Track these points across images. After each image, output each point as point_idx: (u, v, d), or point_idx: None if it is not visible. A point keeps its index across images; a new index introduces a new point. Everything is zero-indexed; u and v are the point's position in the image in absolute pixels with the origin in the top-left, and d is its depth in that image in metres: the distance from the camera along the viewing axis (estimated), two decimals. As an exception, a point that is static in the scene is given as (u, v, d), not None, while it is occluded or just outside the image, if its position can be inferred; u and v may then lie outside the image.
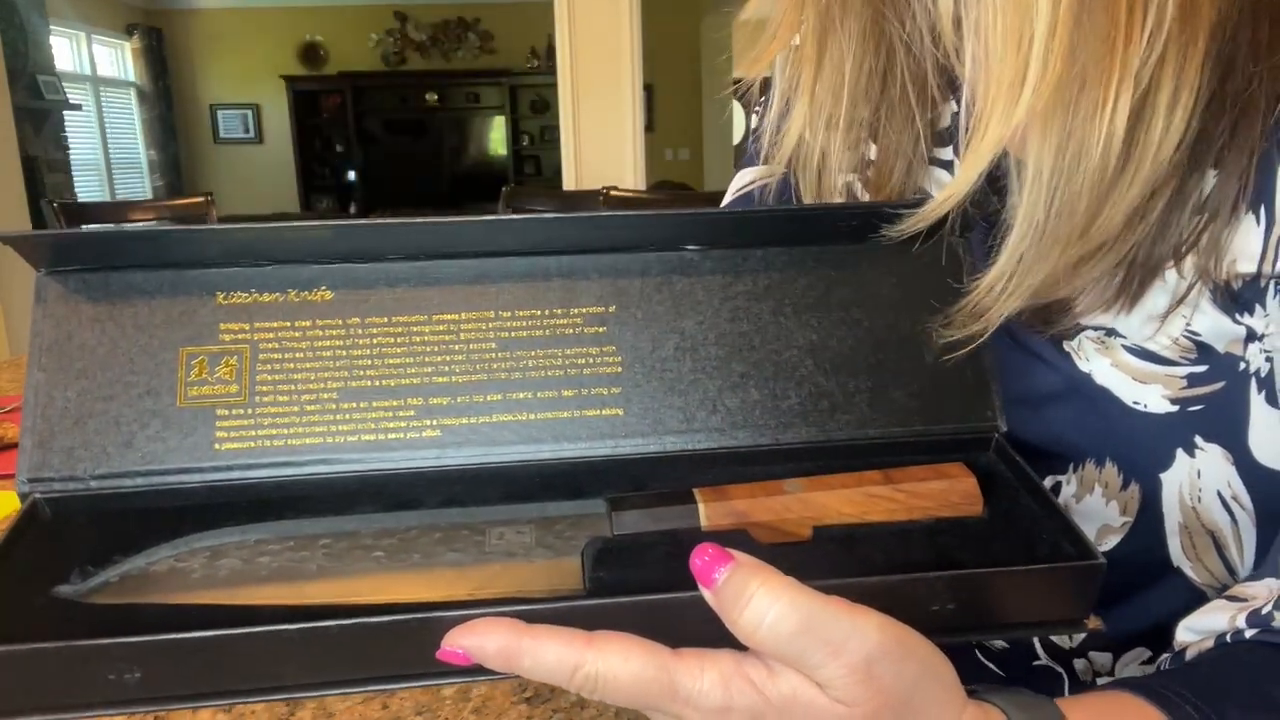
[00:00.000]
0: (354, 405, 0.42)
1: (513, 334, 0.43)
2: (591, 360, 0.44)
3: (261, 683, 0.34)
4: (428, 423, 0.42)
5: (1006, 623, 0.38)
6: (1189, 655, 0.44)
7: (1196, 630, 0.44)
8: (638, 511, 0.40)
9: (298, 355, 0.42)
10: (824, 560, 0.39)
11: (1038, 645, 0.56)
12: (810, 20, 0.52)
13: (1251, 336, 0.44)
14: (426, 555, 0.39)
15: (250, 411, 0.41)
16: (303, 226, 0.40)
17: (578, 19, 3.40)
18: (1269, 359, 0.44)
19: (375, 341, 0.43)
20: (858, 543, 0.39)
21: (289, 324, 0.42)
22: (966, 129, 0.42)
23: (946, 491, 0.41)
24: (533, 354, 0.43)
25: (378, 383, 0.42)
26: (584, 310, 0.44)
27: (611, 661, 0.32)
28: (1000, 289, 0.44)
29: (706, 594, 0.33)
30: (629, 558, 0.38)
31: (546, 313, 0.44)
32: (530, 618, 0.33)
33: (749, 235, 0.45)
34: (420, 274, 0.44)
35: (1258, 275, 0.42)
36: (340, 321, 0.43)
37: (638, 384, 0.43)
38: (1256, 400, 0.44)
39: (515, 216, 0.42)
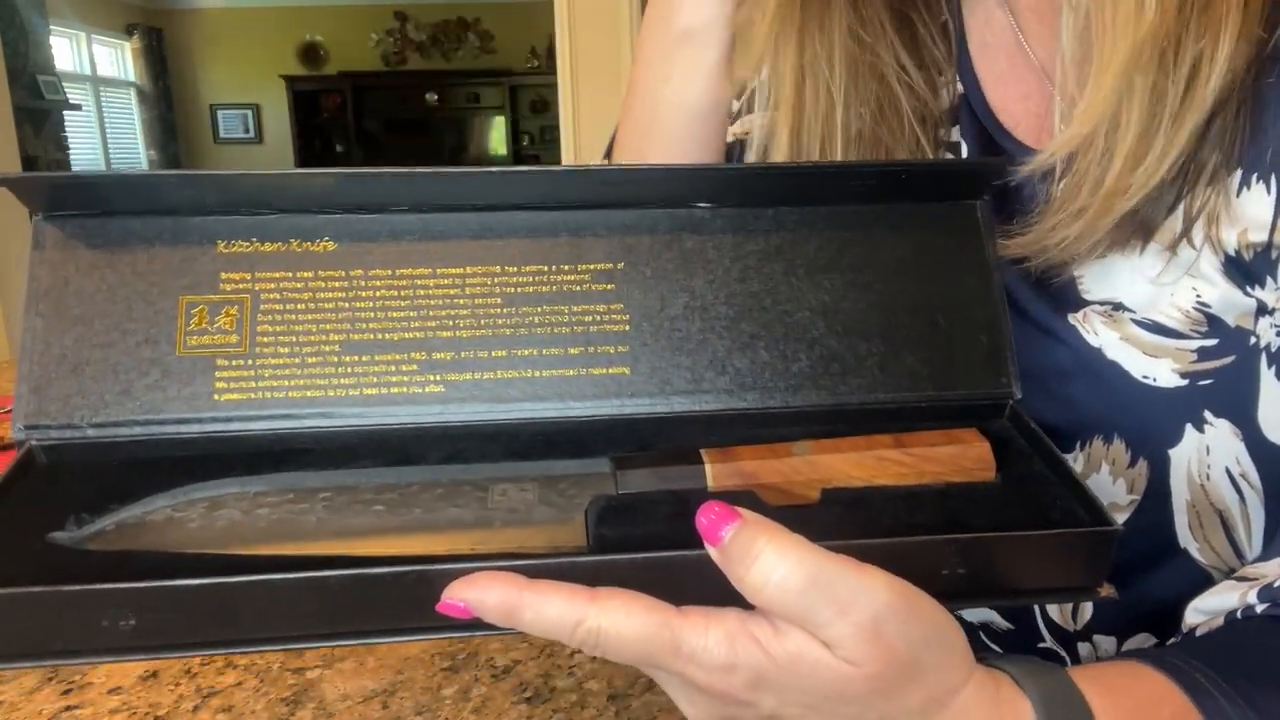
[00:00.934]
0: (356, 359, 0.41)
1: (518, 290, 0.43)
2: (599, 318, 0.43)
3: (257, 633, 0.33)
4: (431, 378, 0.41)
5: (1017, 589, 0.37)
6: (1199, 634, 0.44)
7: (1205, 610, 0.44)
8: (643, 470, 0.39)
9: (299, 307, 0.41)
10: (832, 523, 0.38)
11: (1042, 628, 0.55)
12: (789, 60, 0.53)
13: (1262, 310, 0.43)
14: (428, 510, 0.38)
15: (251, 362, 0.40)
16: (306, 174, 0.39)
17: (578, 19, 3.40)
18: (1279, 334, 0.43)
19: (378, 294, 0.42)
20: (866, 506, 0.38)
21: (290, 274, 0.42)
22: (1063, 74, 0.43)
23: (958, 456, 0.40)
24: (539, 310, 0.42)
25: (380, 336, 0.41)
26: (592, 267, 0.43)
27: (614, 617, 0.31)
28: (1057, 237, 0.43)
29: (713, 552, 0.32)
30: (633, 516, 0.37)
31: (554, 269, 0.43)
32: (532, 573, 0.33)
33: (761, 193, 0.45)
34: (425, 227, 0.43)
35: (1269, 246, 0.42)
36: (343, 273, 0.42)
37: (645, 343, 0.43)
38: (1266, 375, 0.44)
39: (522, 169, 0.41)
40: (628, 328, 0.43)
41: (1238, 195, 0.42)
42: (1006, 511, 0.39)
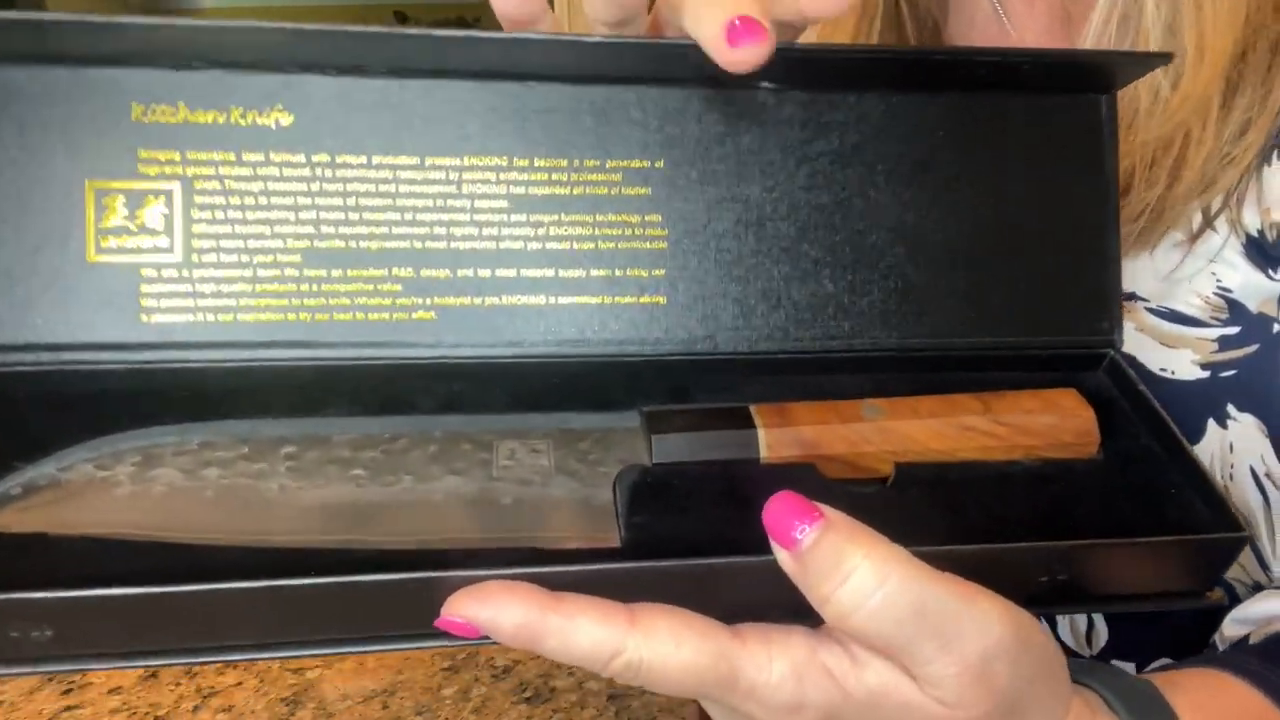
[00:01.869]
0: (323, 273, 0.32)
1: (529, 190, 0.33)
2: (631, 231, 0.34)
3: (205, 642, 0.27)
4: (419, 301, 0.33)
5: (1114, 595, 0.32)
6: (1253, 640, 0.40)
7: (1248, 620, 0.41)
8: (682, 435, 0.32)
9: (248, 201, 0.32)
10: (907, 507, 0.32)
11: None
12: None
13: None
14: (420, 478, 0.31)
15: (187, 274, 0.31)
16: (251, 28, 0.29)
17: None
18: None
19: (351, 188, 0.32)
20: (947, 487, 0.32)
21: (233, 156, 0.32)
22: None
23: (1057, 428, 0.34)
24: (556, 218, 0.34)
25: (354, 244, 0.32)
26: (624, 164, 0.34)
27: (661, 648, 0.25)
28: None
29: (784, 557, 0.26)
30: (672, 497, 0.31)
31: (575, 163, 0.34)
32: (556, 582, 0.26)
33: (841, 76, 0.35)
34: (411, 100, 0.33)
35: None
36: (304, 157, 0.32)
37: (686, 265, 0.34)
38: None
39: (539, 35, 0.31)
40: (665, 245, 0.34)
41: (1259, 174, 0.40)
42: (1113, 502, 0.33)
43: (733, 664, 0.26)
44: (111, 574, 0.26)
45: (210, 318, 0.31)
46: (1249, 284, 0.42)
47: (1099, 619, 0.49)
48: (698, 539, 0.29)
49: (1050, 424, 0.34)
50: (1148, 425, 0.35)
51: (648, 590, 0.27)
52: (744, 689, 0.26)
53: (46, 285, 0.30)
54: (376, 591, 0.26)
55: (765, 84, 0.35)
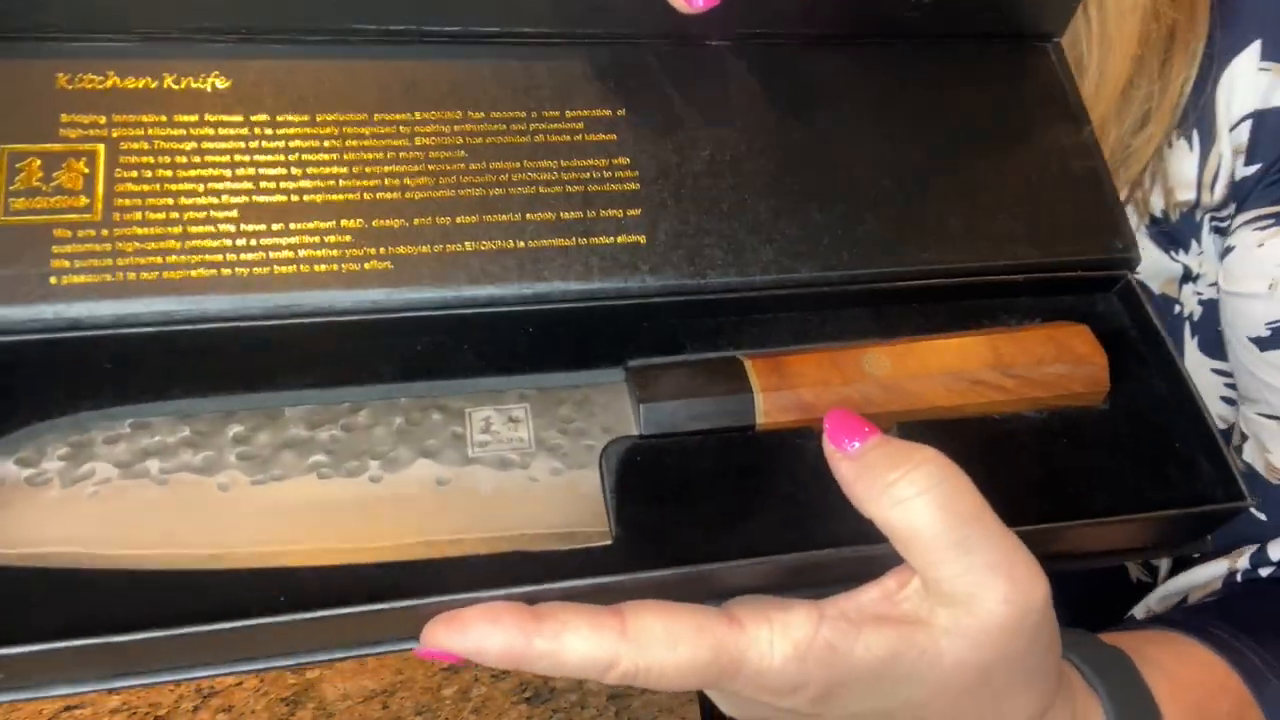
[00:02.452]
0: (262, 228, 0.29)
1: (487, 139, 0.31)
2: (600, 174, 0.32)
3: (170, 669, 0.24)
4: (372, 251, 0.29)
5: (1104, 552, 0.31)
6: (1193, 600, 0.41)
7: (1171, 595, 0.41)
8: (673, 403, 0.28)
9: (179, 160, 0.29)
10: None
11: None
12: None
13: (1187, 276, 0.42)
14: (387, 463, 0.27)
15: (106, 234, 0.28)
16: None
17: None
18: (1201, 303, 0.42)
19: (292, 145, 0.30)
20: (951, 450, 0.28)
21: (165, 118, 0.29)
22: None
23: (1068, 378, 0.31)
24: (518, 165, 0.31)
25: (298, 198, 0.29)
26: (584, 113, 0.32)
27: (655, 653, 0.24)
28: None
29: (840, 459, 0.26)
30: (665, 478, 0.28)
31: (535, 114, 0.32)
32: (541, 598, 0.24)
33: (784, 26, 0.34)
34: (353, 62, 0.31)
35: (1195, 206, 0.40)
36: (241, 118, 0.30)
37: (664, 204, 0.32)
38: (1190, 345, 0.43)
39: None
40: (638, 186, 0.32)
41: (1162, 155, 0.40)
42: (1117, 461, 0.31)
43: (733, 654, 0.24)
44: (59, 615, 0.23)
45: (131, 275, 0.27)
46: (1152, 264, 0.42)
47: None
48: (693, 531, 0.27)
49: (1061, 374, 0.31)
50: (1157, 363, 0.33)
51: (641, 595, 0.25)
52: (747, 676, 0.25)
53: None
54: (351, 620, 0.23)
55: (719, 41, 0.34)
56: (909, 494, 0.25)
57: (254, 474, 0.26)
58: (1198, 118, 0.39)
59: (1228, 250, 0.40)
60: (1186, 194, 0.40)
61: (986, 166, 0.35)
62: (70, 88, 0.29)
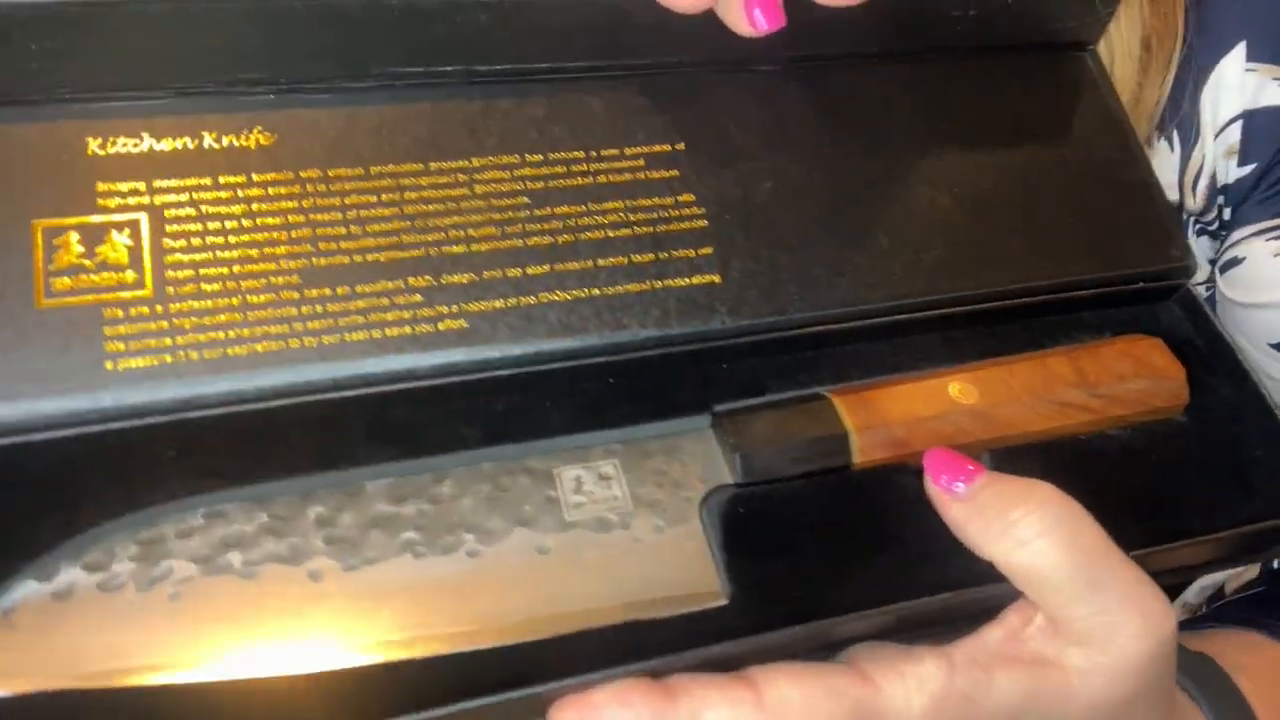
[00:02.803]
0: (326, 292, 0.27)
1: (549, 184, 0.30)
2: (666, 213, 0.31)
3: None
4: (444, 310, 0.28)
5: (1188, 566, 0.31)
6: (1230, 590, 0.41)
7: (1206, 586, 0.42)
8: (769, 449, 0.28)
9: (229, 225, 0.27)
10: None
11: None
12: None
13: None
14: (483, 535, 0.25)
15: (161, 310, 0.26)
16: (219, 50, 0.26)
17: None
18: None
19: (348, 201, 0.28)
20: (1043, 475, 0.27)
21: (209, 180, 0.27)
22: None
23: (1149, 394, 0.31)
24: (583, 208, 0.30)
25: (361, 258, 0.28)
26: (643, 149, 0.31)
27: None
28: None
29: (948, 501, 0.26)
30: (768, 527, 0.27)
31: (594, 154, 0.31)
32: (665, 671, 0.23)
33: (829, 47, 0.34)
34: (401, 107, 0.30)
35: (1179, 208, 0.40)
36: (291, 175, 0.28)
37: (733, 240, 0.31)
38: None
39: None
40: (706, 223, 0.31)
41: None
42: (1204, 475, 0.31)
43: (871, 716, 0.23)
44: None
45: (192, 354, 0.25)
46: None
47: None
48: (805, 584, 0.26)
49: (1143, 389, 0.31)
50: (1225, 370, 0.33)
51: (762, 655, 0.24)
52: None
53: None
54: (475, 714, 0.22)
55: (764, 67, 0.33)
56: (1031, 535, 0.24)
57: (345, 558, 0.25)
58: (1178, 121, 0.39)
59: (1233, 261, 0.40)
60: (1169, 195, 0.40)
61: (1040, 180, 0.34)
62: (103, 153, 0.27)
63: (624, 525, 0.27)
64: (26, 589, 0.23)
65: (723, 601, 0.25)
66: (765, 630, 0.24)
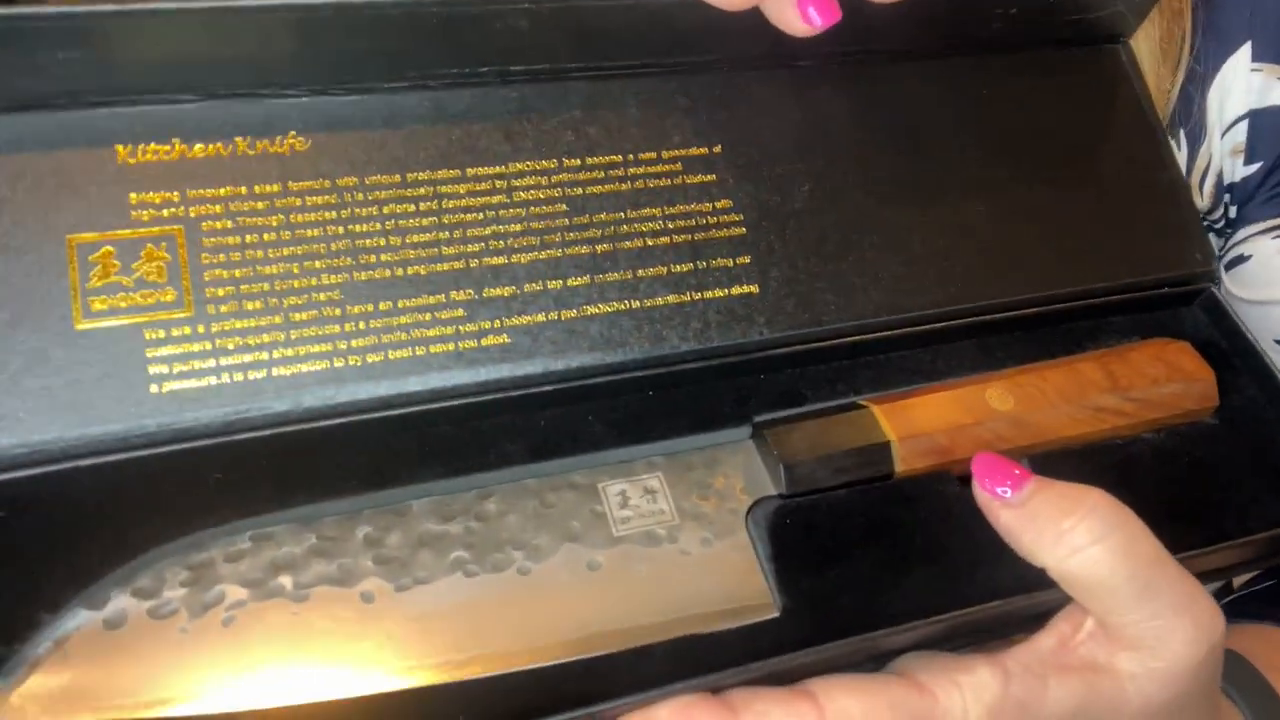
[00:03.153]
0: (369, 308, 0.27)
1: (587, 190, 0.29)
2: (705, 220, 0.30)
3: None
4: (486, 325, 0.27)
5: (1239, 563, 0.32)
6: (1237, 584, 0.42)
7: None
8: (812, 460, 0.28)
9: (266, 237, 0.26)
10: None
11: None
12: None
13: None
14: (532, 552, 0.26)
15: (202, 329, 0.25)
16: (236, 14, 0.25)
17: None
18: None
19: (386, 211, 0.28)
20: (1085, 475, 0.28)
21: (245, 189, 0.27)
22: None
23: (1181, 397, 0.31)
24: (621, 215, 0.30)
25: (402, 271, 0.27)
26: (681, 153, 0.31)
27: None
28: None
29: (997, 507, 0.26)
30: (815, 537, 0.27)
31: (631, 158, 0.30)
32: (722, 685, 0.24)
33: (869, 43, 0.33)
34: (439, 107, 0.29)
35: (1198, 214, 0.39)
36: (327, 183, 0.27)
37: (771, 248, 0.31)
38: None
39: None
40: (744, 230, 0.30)
41: None
42: (1236, 476, 0.31)
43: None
44: None
45: (237, 376, 0.25)
46: None
47: None
48: (854, 594, 0.26)
49: (1175, 393, 0.32)
50: (1250, 372, 0.34)
51: (815, 666, 0.24)
52: None
53: (27, 367, 0.24)
54: None
55: (806, 61, 0.33)
56: (1085, 542, 0.24)
57: (396, 579, 0.25)
58: (1185, 121, 0.39)
59: (1239, 259, 0.40)
60: None
61: (1073, 183, 0.34)
62: (134, 161, 0.26)
63: (672, 539, 0.27)
64: (79, 618, 0.23)
65: (775, 614, 0.26)
66: (818, 642, 0.25)
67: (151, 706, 0.22)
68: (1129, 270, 0.34)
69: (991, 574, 0.27)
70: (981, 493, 0.26)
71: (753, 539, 0.27)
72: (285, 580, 0.24)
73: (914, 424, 0.29)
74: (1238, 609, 0.38)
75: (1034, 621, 0.26)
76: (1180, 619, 0.24)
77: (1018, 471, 0.26)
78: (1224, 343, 0.35)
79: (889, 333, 0.31)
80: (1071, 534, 0.24)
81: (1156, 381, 0.32)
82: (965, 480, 0.28)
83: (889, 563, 0.27)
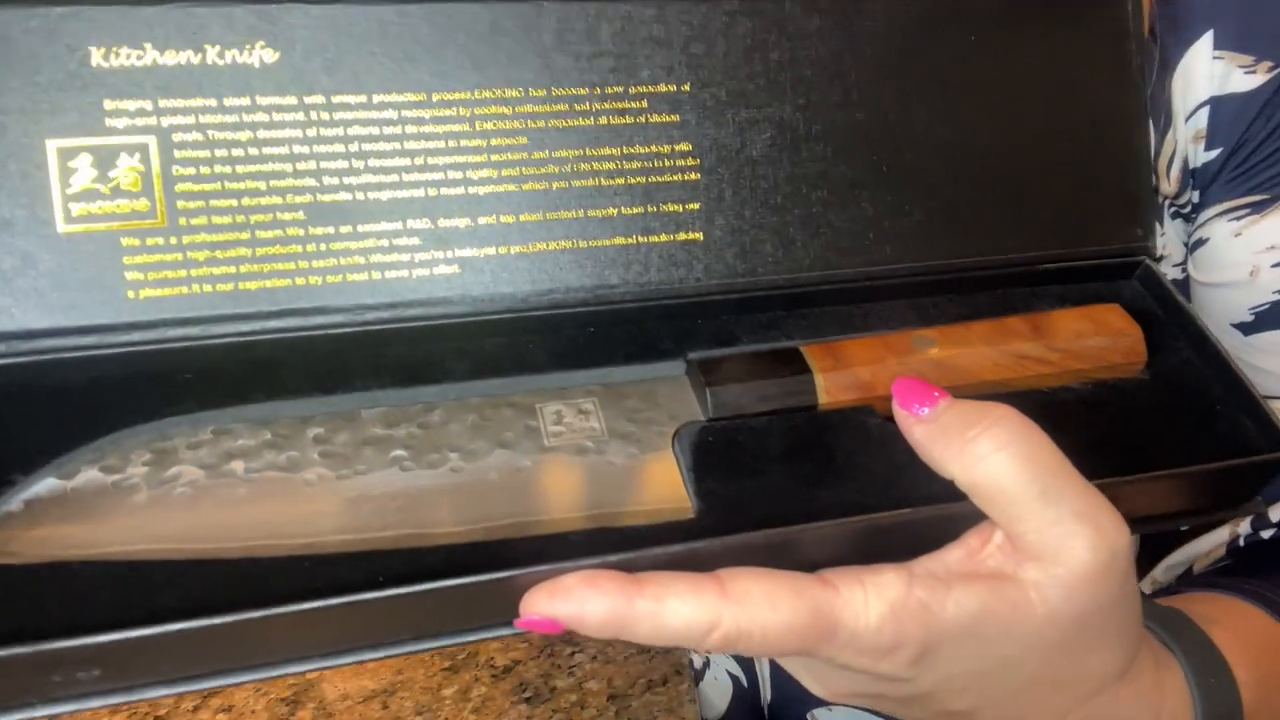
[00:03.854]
0: (330, 230, 0.29)
1: (549, 123, 0.30)
2: (661, 163, 0.31)
3: (263, 659, 0.25)
4: (440, 254, 0.30)
5: (1156, 515, 0.32)
6: (1197, 569, 0.42)
7: (1175, 565, 0.42)
8: (739, 386, 0.30)
9: (235, 154, 0.28)
10: None
11: None
12: None
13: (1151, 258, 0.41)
14: (466, 455, 0.29)
15: (175, 241, 0.28)
16: None
17: None
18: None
19: (351, 132, 0.29)
20: None
21: (215, 102, 0.28)
22: None
23: (1107, 350, 0.33)
24: (580, 153, 0.31)
25: (363, 196, 0.29)
26: (649, 89, 0.31)
27: (757, 614, 0.24)
28: None
29: (912, 424, 0.27)
30: (736, 455, 0.29)
31: (597, 91, 0.31)
32: (634, 566, 0.25)
33: None
34: (411, 28, 0.29)
35: (1154, 192, 0.39)
36: (295, 99, 0.28)
37: (721, 196, 0.32)
38: None
39: None
40: (698, 176, 0.32)
41: None
42: (1165, 423, 0.32)
43: (830, 616, 0.24)
44: (158, 604, 0.23)
45: (206, 287, 0.28)
46: None
47: None
48: (770, 501, 0.28)
49: (1101, 346, 0.33)
50: (1186, 336, 0.35)
51: (727, 561, 0.25)
52: (843, 639, 0.24)
53: (18, 267, 0.26)
54: (450, 595, 0.24)
55: (791, -7, 0.32)
56: (988, 450, 0.25)
57: (338, 469, 0.29)
58: (1152, 109, 0.39)
59: (1199, 243, 0.41)
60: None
61: (1038, 147, 0.35)
62: (108, 65, 0.27)
63: (600, 451, 0.30)
64: (47, 484, 0.26)
65: (690, 515, 0.28)
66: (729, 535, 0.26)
67: (99, 547, 0.25)
68: (1066, 241, 0.35)
69: (905, 491, 0.28)
70: (899, 411, 0.27)
71: (677, 455, 0.29)
72: (237, 465, 0.28)
73: (839, 361, 0.31)
74: (1193, 583, 0.38)
75: (947, 540, 0.27)
76: (1081, 525, 0.25)
77: (936, 394, 0.27)
78: (1159, 310, 0.36)
79: (824, 287, 0.33)
80: (976, 442, 0.25)
81: (1081, 335, 0.33)
82: (889, 416, 0.29)
83: (805, 477, 0.28)
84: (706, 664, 0.60)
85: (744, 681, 0.59)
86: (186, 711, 0.53)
